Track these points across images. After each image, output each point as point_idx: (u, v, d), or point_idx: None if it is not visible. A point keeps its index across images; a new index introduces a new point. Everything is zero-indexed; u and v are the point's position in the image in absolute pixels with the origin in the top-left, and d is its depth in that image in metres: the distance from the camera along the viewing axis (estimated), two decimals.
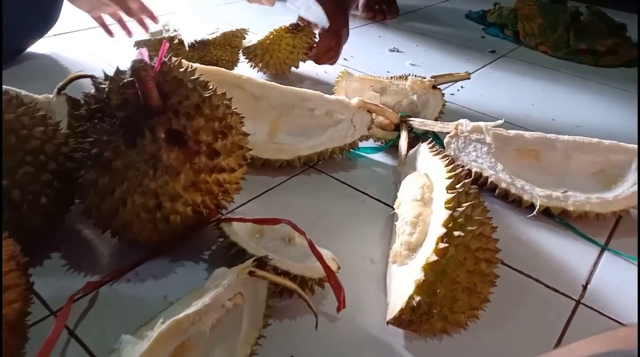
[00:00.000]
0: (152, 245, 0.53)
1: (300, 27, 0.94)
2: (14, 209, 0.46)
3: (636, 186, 0.63)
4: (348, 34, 1.01)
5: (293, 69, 0.97)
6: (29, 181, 0.46)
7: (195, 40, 0.88)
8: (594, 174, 0.66)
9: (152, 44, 0.86)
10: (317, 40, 0.95)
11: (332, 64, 1.01)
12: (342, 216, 0.64)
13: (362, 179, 0.71)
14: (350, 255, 0.57)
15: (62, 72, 0.92)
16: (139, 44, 0.87)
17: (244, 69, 0.95)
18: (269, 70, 0.95)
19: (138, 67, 0.43)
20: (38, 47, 0.98)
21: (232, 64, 0.92)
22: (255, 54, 0.92)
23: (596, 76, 1.19)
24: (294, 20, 0.96)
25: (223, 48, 0.89)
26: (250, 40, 0.95)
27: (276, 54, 0.92)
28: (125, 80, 0.48)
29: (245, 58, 0.94)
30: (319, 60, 0.98)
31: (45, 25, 0.93)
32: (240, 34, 0.93)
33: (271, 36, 0.92)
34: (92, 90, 0.50)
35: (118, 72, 0.50)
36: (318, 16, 0.90)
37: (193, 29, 0.93)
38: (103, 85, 0.49)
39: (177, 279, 0.52)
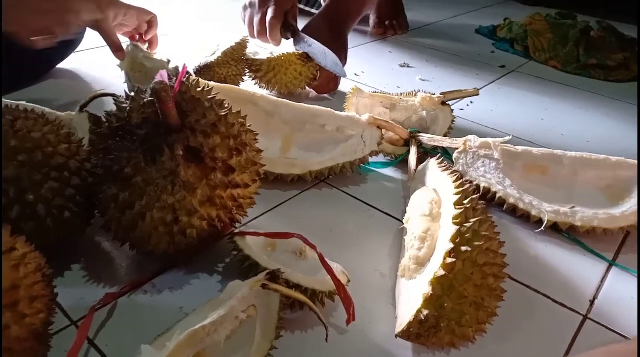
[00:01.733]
0: (169, 257, 0.55)
1: (311, 59, 0.95)
2: (39, 222, 0.48)
3: None
4: (346, 58, 1.03)
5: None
6: (53, 196, 0.49)
7: (199, 65, 0.90)
8: (601, 190, 0.67)
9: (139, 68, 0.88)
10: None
11: (331, 94, 1.02)
12: (353, 230, 0.65)
13: (372, 194, 0.73)
14: (360, 268, 0.58)
15: (83, 89, 0.95)
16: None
17: (250, 81, 0.98)
18: (269, 88, 0.96)
19: (159, 88, 0.46)
20: (62, 63, 1.02)
21: (239, 77, 0.94)
22: (259, 70, 0.93)
23: (606, 91, 1.20)
24: None
25: (227, 65, 0.91)
26: (257, 52, 0.96)
27: (281, 76, 0.93)
28: (145, 100, 0.51)
29: (249, 71, 0.95)
30: (320, 92, 1.00)
31: (74, 42, 0.97)
32: (240, 45, 0.93)
33: (282, 58, 0.93)
34: (114, 109, 0.52)
35: (139, 91, 0.52)
36: (335, 64, 0.92)
37: (193, 50, 0.95)
38: (124, 105, 0.52)
39: (193, 291, 0.54)
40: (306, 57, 0.95)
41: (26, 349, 0.37)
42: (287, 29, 0.99)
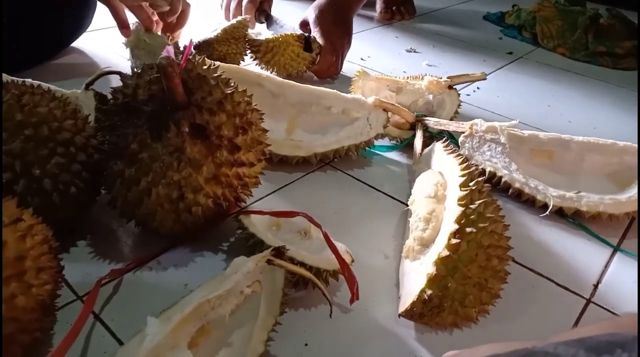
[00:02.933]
0: (174, 235, 0.55)
1: (309, 42, 0.95)
2: (45, 197, 0.48)
3: None
4: (350, 42, 1.03)
5: None
6: (59, 171, 0.49)
7: (198, 41, 0.90)
8: (607, 175, 0.67)
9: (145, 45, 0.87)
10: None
11: (332, 78, 1.02)
12: (357, 212, 0.65)
13: (377, 177, 0.73)
14: (363, 250, 0.58)
15: (92, 69, 0.94)
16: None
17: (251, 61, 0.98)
18: (268, 69, 0.96)
19: (165, 64, 0.45)
20: (74, 43, 1.02)
21: (239, 55, 0.94)
22: (259, 50, 0.93)
23: (614, 79, 1.19)
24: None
25: (227, 43, 0.91)
26: (260, 32, 0.97)
27: (278, 57, 0.93)
28: (152, 76, 0.51)
29: (250, 51, 0.95)
30: (320, 76, 1.00)
31: (84, 22, 0.97)
32: (241, 24, 0.93)
33: (280, 39, 0.92)
34: (120, 86, 0.52)
35: (145, 68, 0.52)
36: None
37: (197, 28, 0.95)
38: (130, 81, 0.51)
39: (197, 268, 0.54)
40: (305, 40, 0.95)
41: (32, 320, 0.37)
42: (261, 14, 1.07)
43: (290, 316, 0.49)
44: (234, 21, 0.93)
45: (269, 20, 1.07)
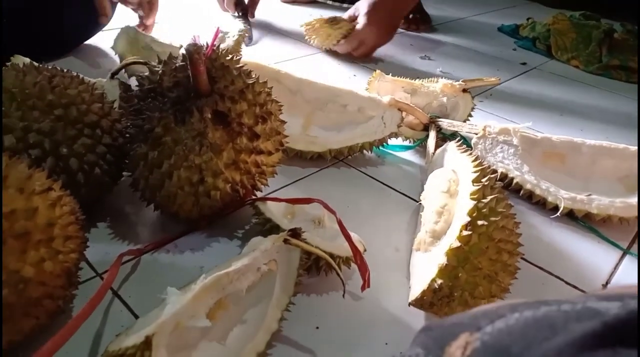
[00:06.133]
0: (191, 220, 0.56)
1: (337, 20, 1.14)
2: (71, 176, 0.50)
3: None
4: (382, 38, 1.16)
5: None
6: (85, 151, 0.50)
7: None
8: (618, 179, 0.67)
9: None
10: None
11: (363, 57, 1.16)
12: (369, 207, 0.66)
13: (390, 175, 0.74)
14: (375, 243, 0.59)
15: (106, 66, 0.97)
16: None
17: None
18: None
19: (192, 50, 0.47)
20: (92, 40, 1.05)
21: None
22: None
23: (627, 92, 1.19)
24: None
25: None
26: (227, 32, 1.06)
27: (317, 37, 1.15)
28: (177, 64, 0.52)
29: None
30: (350, 52, 1.15)
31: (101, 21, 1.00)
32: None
33: (315, 23, 1.14)
34: (146, 73, 0.54)
35: (171, 57, 0.54)
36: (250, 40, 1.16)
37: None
38: (157, 69, 0.53)
39: (213, 252, 0.55)
40: (332, 20, 1.12)
41: (57, 286, 0.39)
42: (238, 5, 1.23)
43: (302, 300, 0.50)
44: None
45: (244, 16, 1.22)
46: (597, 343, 0.16)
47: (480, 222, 0.50)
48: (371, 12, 1.11)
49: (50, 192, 0.38)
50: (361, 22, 1.12)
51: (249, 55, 0.81)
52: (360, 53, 1.15)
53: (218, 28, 0.54)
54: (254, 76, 0.56)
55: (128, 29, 0.88)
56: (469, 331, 0.18)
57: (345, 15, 1.17)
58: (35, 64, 0.55)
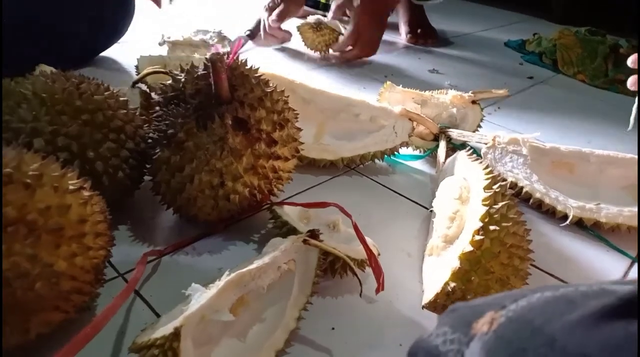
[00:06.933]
0: (209, 223, 0.58)
1: (321, 27, 1.16)
2: (96, 178, 0.52)
3: None
4: (379, 26, 1.21)
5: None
6: (110, 155, 0.52)
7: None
8: (625, 188, 0.69)
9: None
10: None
11: (363, 54, 1.22)
12: (381, 214, 0.68)
13: (401, 184, 0.75)
14: (387, 248, 0.60)
15: (121, 78, 1.00)
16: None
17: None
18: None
19: (215, 59, 0.49)
20: (108, 52, 1.08)
21: None
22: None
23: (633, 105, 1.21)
24: None
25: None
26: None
27: (305, 41, 1.19)
28: (199, 73, 0.55)
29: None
30: (341, 56, 1.20)
31: (116, 33, 1.03)
32: None
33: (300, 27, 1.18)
34: (169, 81, 0.56)
35: (193, 66, 0.56)
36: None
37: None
38: (179, 77, 0.55)
39: (230, 255, 0.57)
40: (317, 26, 1.14)
41: (86, 282, 0.40)
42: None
43: (318, 303, 0.51)
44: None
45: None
46: (613, 315, 0.17)
47: (492, 227, 0.51)
48: (365, 3, 1.14)
49: (81, 191, 0.40)
50: (354, 16, 1.14)
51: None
52: (358, 51, 1.18)
53: (241, 38, 0.56)
54: (271, 85, 0.58)
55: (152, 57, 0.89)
56: (494, 309, 0.20)
57: (331, 13, 1.19)
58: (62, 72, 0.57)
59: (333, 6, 1.19)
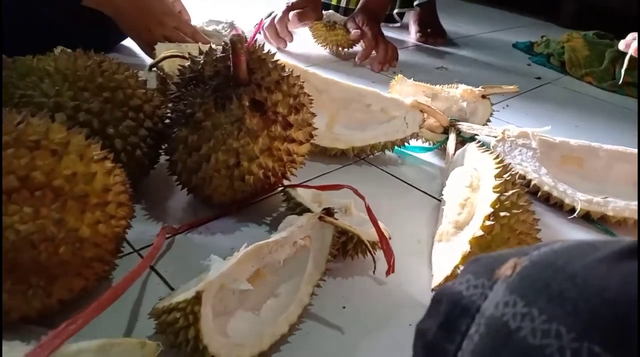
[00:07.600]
0: (223, 204, 0.59)
1: (335, 26, 1.18)
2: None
3: None
4: (375, 37, 1.22)
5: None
6: (129, 133, 0.53)
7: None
8: (634, 183, 0.69)
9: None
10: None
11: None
12: (390, 202, 0.69)
13: (410, 174, 0.76)
14: (397, 235, 0.61)
15: (137, 66, 1.01)
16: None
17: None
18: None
19: (236, 40, 0.50)
20: (126, 41, 1.09)
21: None
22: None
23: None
24: None
25: None
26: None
27: (318, 40, 1.21)
28: (218, 55, 0.56)
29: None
30: (377, 65, 1.20)
31: None
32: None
33: (313, 27, 1.19)
34: (189, 63, 0.57)
35: (211, 49, 0.57)
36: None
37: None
38: (198, 59, 0.56)
39: (242, 236, 0.57)
40: (331, 25, 1.16)
41: (107, 251, 0.41)
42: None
43: (329, 283, 0.52)
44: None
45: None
46: (635, 254, 0.18)
47: (502, 214, 0.52)
48: (369, 17, 1.20)
49: (105, 161, 0.41)
50: (367, 29, 1.18)
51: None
52: (383, 52, 1.21)
53: (261, 20, 0.57)
54: (287, 70, 0.59)
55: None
56: (517, 256, 0.21)
57: (348, 24, 1.21)
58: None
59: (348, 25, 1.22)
